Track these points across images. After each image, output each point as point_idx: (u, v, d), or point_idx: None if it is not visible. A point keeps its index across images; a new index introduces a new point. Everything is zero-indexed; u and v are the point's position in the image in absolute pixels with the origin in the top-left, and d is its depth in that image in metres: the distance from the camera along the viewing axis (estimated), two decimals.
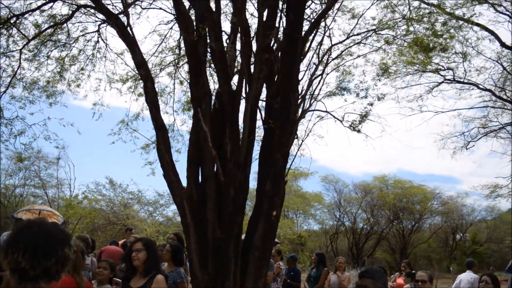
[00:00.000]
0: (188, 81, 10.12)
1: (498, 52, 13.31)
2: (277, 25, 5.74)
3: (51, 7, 8.83)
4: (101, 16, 8.96)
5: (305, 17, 6.39)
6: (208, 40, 5.82)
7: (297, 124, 5.54)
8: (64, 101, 11.05)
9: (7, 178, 23.84)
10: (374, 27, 7.84)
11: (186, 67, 10.25)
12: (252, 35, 5.98)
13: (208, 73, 8.73)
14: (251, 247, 4.95)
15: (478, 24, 10.94)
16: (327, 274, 8.21)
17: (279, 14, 5.87)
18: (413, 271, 7.31)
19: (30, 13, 8.81)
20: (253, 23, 7.30)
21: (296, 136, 5.93)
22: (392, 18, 7.90)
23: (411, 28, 7.39)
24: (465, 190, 41.20)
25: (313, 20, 6.31)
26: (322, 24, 6.88)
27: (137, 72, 10.50)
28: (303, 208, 28.86)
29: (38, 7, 8.64)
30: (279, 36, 5.84)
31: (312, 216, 30.83)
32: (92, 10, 8.64)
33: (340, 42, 7.69)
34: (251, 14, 7.62)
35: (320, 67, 6.96)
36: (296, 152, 6.69)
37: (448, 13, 8.21)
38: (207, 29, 5.78)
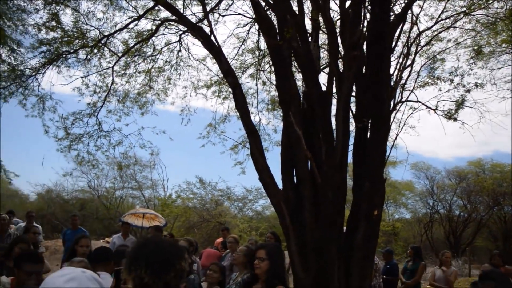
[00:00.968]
0: (271, 81, 10.30)
1: None
2: (362, 20, 5.61)
3: (136, 24, 9.43)
4: (182, 27, 9.40)
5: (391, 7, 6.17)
6: (292, 42, 5.83)
7: (390, 118, 5.38)
8: (154, 109, 11.78)
9: (109, 182, 25.98)
10: (464, 9, 7.34)
11: (267, 67, 10.44)
12: (337, 33, 5.90)
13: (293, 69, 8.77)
14: (352, 248, 4.92)
15: None
16: (424, 268, 7.92)
17: (364, 9, 5.73)
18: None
19: (118, 32, 9.47)
20: (336, 19, 7.20)
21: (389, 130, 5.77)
22: None
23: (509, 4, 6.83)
24: None
25: (399, 12, 6.07)
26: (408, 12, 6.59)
27: (220, 76, 10.91)
28: (394, 197, 27.90)
29: (125, 26, 9.26)
30: (365, 31, 5.70)
31: (404, 205, 29.69)
32: (175, 23, 9.09)
33: (428, 29, 7.32)
34: (335, 11, 7.53)
35: (410, 57, 6.68)
36: (392, 147, 6.50)
37: None
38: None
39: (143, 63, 10.72)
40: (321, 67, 7.14)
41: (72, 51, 8.90)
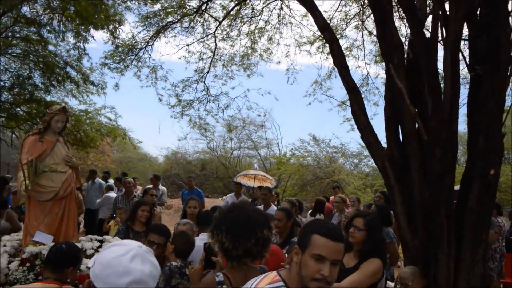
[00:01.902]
0: (376, 33, 9.60)
1: None
2: None
3: None
4: None
5: None
6: None
7: (510, 65, 4.62)
8: (259, 70, 11.91)
9: (226, 143, 27.38)
10: None
11: (372, 17, 9.72)
12: None
13: (398, 18, 8.06)
14: (465, 211, 4.46)
15: None
16: None
17: None
18: None
19: None
20: None
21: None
22: None
23: None
24: None
25: None
26: None
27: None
28: None
29: None
30: None
31: None
32: None
33: None
34: None
35: None
36: None
37: None
38: None
39: (245, 25, 10.77)
40: (428, 12, 6.40)
41: (176, 20, 9.26)
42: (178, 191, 23.83)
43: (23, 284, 3.65)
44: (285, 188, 20.77)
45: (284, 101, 51.55)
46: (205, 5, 9.25)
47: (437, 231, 4.42)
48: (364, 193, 18.25)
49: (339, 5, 10.19)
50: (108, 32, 10.14)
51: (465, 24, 4.79)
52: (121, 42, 9.72)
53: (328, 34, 6.17)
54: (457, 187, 4.89)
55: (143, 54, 9.78)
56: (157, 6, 8.98)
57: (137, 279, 1.48)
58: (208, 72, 10.73)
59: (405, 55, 5.43)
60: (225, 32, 10.40)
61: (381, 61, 10.54)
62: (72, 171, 4.60)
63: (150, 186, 9.80)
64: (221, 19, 9.78)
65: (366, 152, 22.85)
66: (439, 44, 4.84)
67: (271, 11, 10.42)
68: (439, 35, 4.72)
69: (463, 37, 5.14)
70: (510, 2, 4.66)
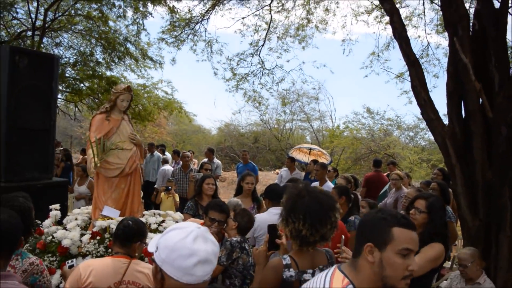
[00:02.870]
0: (434, 2, 9.10)
1: None
2: None
3: None
4: None
5: None
6: None
7: None
8: (314, 42, 11.66)
9: (278, 116, 27.31)
10: None
11: None
12: None
13: None
14: None
15: None
16: None
17: None
18: None
19: None
20: None
21: None
22: None
23: None
24: None
25: None
26: None
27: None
28: None
29: None
30: None
31: None
32: None
33: None
34: None
35: None
36: None
37: None
38: None
39: None
40: None
41: None
42: (232, 164, 24.18)
43: (94, 257, 3.90)
44: (338, 162, 20.52)
45: (338, 72, 50.39)
46: None
47: (499, 212, 4.28)
48: (420, 168, 17.65)
49: None
50: (166, 7, 10.30)
51: None
52: (177, 16, 9.85)
53: (388, 4, 5.94)
54: None
55: (199, 28, 9.88)
56: None
57: (202, 258, 1.53)
58: (263, 45, 10.68)
59: (471, 27, 5.15)
60: (280, 4, 10.24)
61: (443, 31, 10.01)
62: (137, 148, 4.81)
63: (205, 160, 10.05)
64: None
65: (423, 125, 21.99)
66: (509, 15, 4.55)
67: None
68: (510, 4, 4.44)
69: None
70: None
